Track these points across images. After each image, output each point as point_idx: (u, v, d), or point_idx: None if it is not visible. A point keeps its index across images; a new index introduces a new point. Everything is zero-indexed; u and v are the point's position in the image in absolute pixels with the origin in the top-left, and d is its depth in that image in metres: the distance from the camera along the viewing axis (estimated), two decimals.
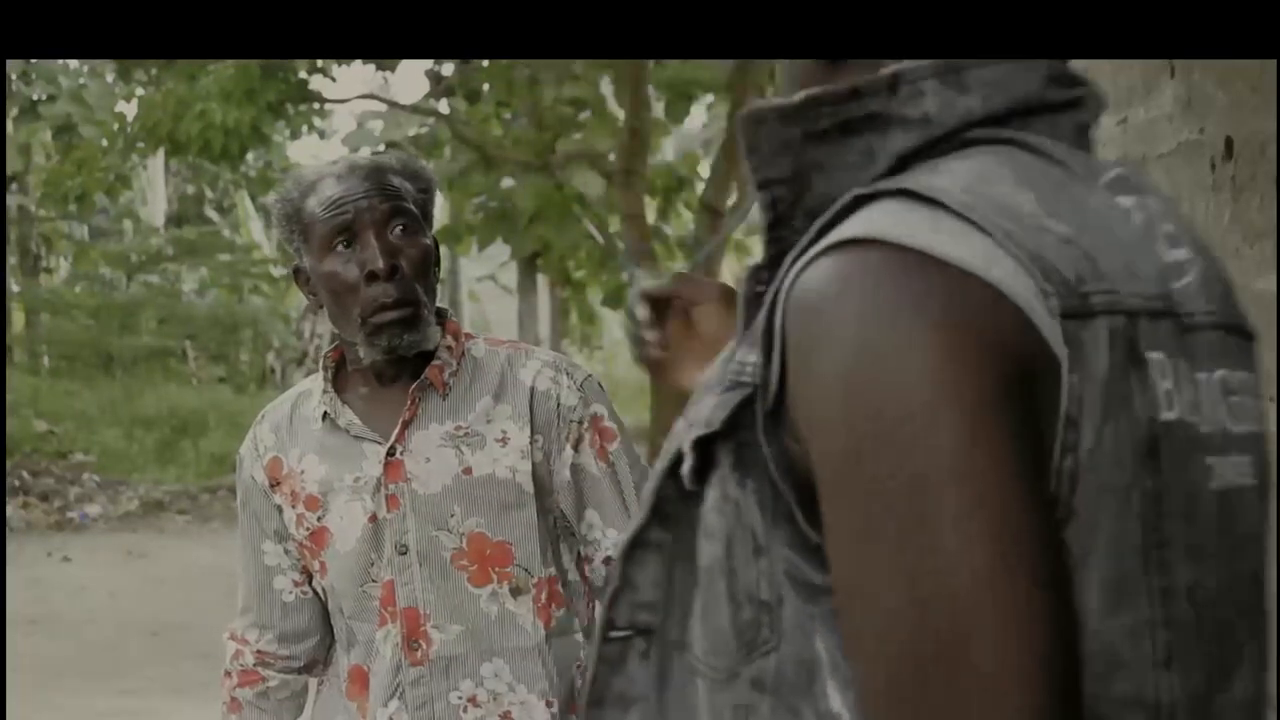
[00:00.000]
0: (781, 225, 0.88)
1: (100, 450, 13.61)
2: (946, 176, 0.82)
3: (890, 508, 0.76)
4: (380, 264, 1.88)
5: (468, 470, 1.94)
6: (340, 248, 1.91)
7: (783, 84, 0.98)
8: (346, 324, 1.94)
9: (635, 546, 0.92)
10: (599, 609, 1.96)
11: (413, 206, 1.95)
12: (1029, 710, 0.73)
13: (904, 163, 0.85)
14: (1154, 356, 0.82)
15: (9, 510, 11.08)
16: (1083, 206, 0.84)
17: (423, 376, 1.96)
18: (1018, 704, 0.73)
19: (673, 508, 0.90)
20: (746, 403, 0.84)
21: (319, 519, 1.99)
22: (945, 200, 0.80)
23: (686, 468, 0.87)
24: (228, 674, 2.12)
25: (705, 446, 0.86)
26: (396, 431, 1.95)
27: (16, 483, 11.89)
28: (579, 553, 2.02)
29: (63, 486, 12.25)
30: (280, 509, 2.03)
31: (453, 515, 1.93)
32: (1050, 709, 0.73)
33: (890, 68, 0.86)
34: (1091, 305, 0.79)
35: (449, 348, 1.99)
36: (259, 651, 2.08)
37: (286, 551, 2.05)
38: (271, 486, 2.03)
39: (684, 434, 0.89)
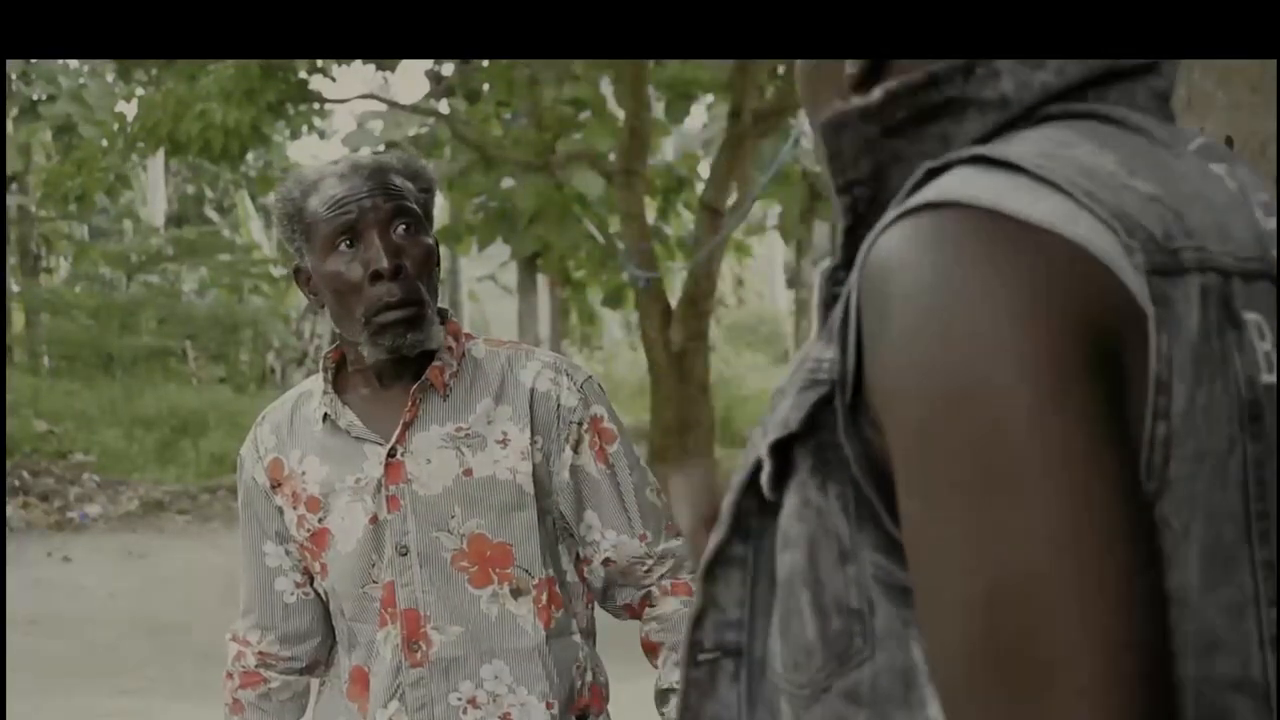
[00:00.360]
0: (859, 225, 0.85)
1: (100, 450, 13.61)
2: (1021, 144, 0.80)
3: (965, 477, 0.72)
4: (384, 263, 1.88)
5: (468, 472, 1.94)
6: (343, 247, 1.91)
7: (803, 86, 0.96)
8: (349, 323, 1.93)
9: (717, 564, 0.88)
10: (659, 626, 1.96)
11: (415, 206, 1.95)
12: (1114, 704, 0.69)
13: (980, 145, 0.83)
14: (1251, 317, 0.78)
15: (9, 510, 11.08)
16: (1169, 169, 0.81)
17: (424, 377, 1.95)
18: (1101, 687, 0.69)
19: (753, 521, 0.86)
20: (824, 401, 0.80)
21: (320, 520, 1.98)
22: (1020, 163, 0.77)
23: (765, 474, 0.83)
24: (229, 675, 2.11)
25: (783, 451, 0.82)
26: (397, 433, 1.94)
27: (16, 483, 11.89)
28: (577, 554, 2.02)
29: (63, 486, 12.25)
30: (281, 510, 2.02)
31: (453, 517, 1.93)
32: (1136, 691, 0.69)
33: None
34: (1181, 261, 0.75)
35: (449, 348, 1.98)
36: (261, 653, 2.08)
37: (288, 553, 2.05)
38: (273, 488, 2.03)
39: (760, 443, 0.85)
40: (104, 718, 6.42)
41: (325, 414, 1.99)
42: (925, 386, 0.73)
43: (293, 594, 2.07)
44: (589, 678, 2.01)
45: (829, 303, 0.85)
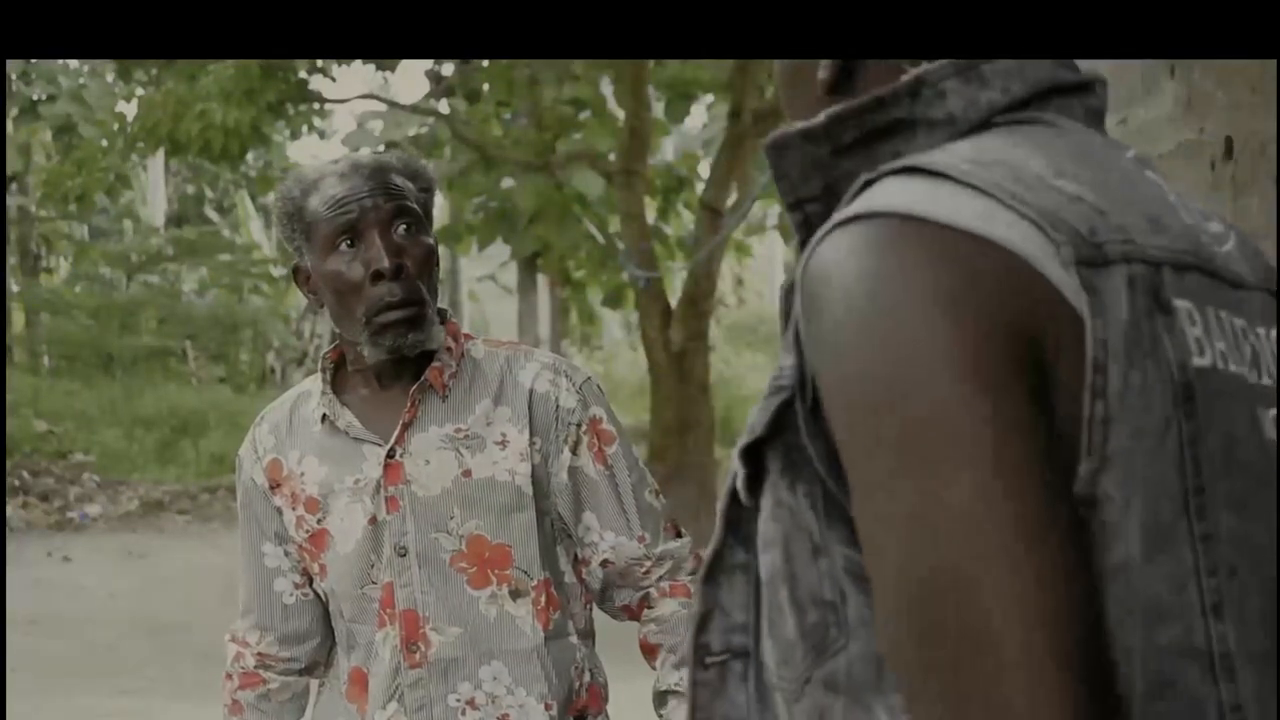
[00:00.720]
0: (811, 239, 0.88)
1: (100, 450, 13.61)
2: (951, 152, 0.83)
3: (892, 467, 0.76)
4: (385, 263, 1.88)
5: (467, 473, 1.94)
6: (344, 247, 1.91)
7: (782, 87, 0.98)
8: (350, 323, 1.93)
9: (716, 569, 0.91)
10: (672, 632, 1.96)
11: (416, 206, 1.95)
12: (1039, 677, 0.72)
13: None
14: (1181, 304, 0.81)
15: (9, 510, 11.08)
16: (1101, 169, 0.85)
17: (423, 378, 1.95)
18: (1035, 657, 0.72)
19: (749, 527, 0.89)
20: (787, 405, 0.84)
21: (319, 521, 1.98)
22: (945, 170, 0.81)
23: (740, 479, 0.87)
24: (229, 676, 2.11)
25: (754, 455, 0.86)
26: (396, 433, 1.94)
27: (16, 483, 11.89)
28: (575, 555, 2.01)
29: (63, 486, 12.25)
30: (280, 511, 2.02)
31: (452, 518, 1.93)
32: (1071, 660, 0.73)
33: (910, 73, 0.86)
34: (1107, 254, 0.79)
35: (449, 349, 1.98)
36: (260, 654, 2.08)
37: (287, 554, 2.05)
38: (271, 489, 2.03)
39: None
40: (104, 718, 6.42)
41: (323, 415, 1.98)
42: (854, 385, 0.78)
43: (292, 595, 2.06)
44: (587, 679, 2.01)
45: (789, 315, 0.88)
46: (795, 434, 0.84)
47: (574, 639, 2.01)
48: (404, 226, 1.92)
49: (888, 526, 0.77)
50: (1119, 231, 0.81)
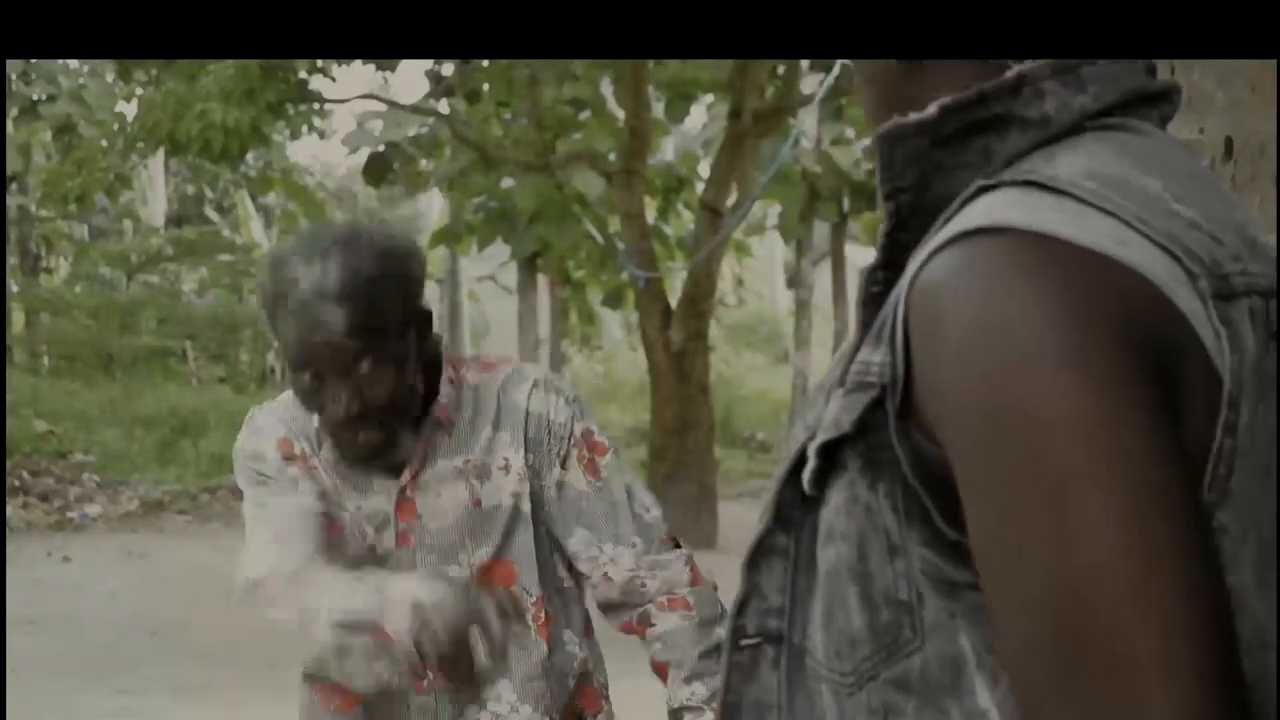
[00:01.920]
0: (900, 229, 0.88)
1: (100, 450, 13.61)
2: (1067, 164, 0.83)
3: (1030, 495, 0.75)
4: (343, 414, 1.84)
5: (477, 502, 1.93)
6: (307, 378, 1.85)
7: (863, 88, 0.97)
8: (320, 424, 1.92)
9: (759, 553, 0.91)
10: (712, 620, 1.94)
11: (383, 324, 1.84)
12: (1180, 691, 0.72)
13: (1016, 159, 0.86)
14: None
15: (9, 510, 11.08)
16: (1200, 187, 0.85)
17: (432, 415, 1.93)
18: (1167, 684, 0.72)
19: (795, 512, 0.89)
20: (875, 404, 0.83)
21: (325, 510, 1.94)
22: (1071, 189, 0.80)
23: (809, 472, 0.87)
24: (262, 584, 1.84)
25: (830, 450, 0.86)
26: (410, 471, 1.93)
27: (16, 483, 11.90)
28: (569, 563, 2.00)
29: (63, 486, 12.26)
30: (297, 481, 1.95)
31: (463, 549, 1.93)
32: (1206, 679, 0.72)
33: (1014, 69, 0.86)
34: (1233, 286, 0.79)
35: (450, 380, 1.96)
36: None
37: (317, 505, 1.94)
38: (286, 460, 1.96)
39: (803, 437, 0.88)
40: (104, 717, 6.42)
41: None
42: (988, 405, 0.77)
43: (323, 535, 1.92)
44: (580, 680, 2.02)
45: (869, 302, 0.88)
46: (881, 434, 0.83)
47: (572, 645, 2.01)
48: (368, 362, 1.83)
49: (1023, 547, 0.76)
50: (1236, 261, 0.81)
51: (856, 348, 0.87)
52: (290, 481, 1.95)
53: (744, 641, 0.93)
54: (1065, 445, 0.74)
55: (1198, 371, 0.77)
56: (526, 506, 1.95)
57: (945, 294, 0.79)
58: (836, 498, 0.86)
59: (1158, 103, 0.91)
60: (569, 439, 1.98)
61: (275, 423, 2.00)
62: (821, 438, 0.86)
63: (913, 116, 0.87)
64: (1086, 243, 0.77)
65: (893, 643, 0.84)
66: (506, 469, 1.95)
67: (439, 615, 1.60)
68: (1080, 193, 0.80)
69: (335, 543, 1.94)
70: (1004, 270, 0.78)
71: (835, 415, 0.85)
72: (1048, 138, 0.86)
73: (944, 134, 0.87)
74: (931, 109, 0.86)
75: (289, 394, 2.06)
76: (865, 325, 0.88)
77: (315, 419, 1.95)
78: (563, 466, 1.97)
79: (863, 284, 0.89)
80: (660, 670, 2.01)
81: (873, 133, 0.91)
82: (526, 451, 1.95)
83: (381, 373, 1.84)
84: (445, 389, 1.95)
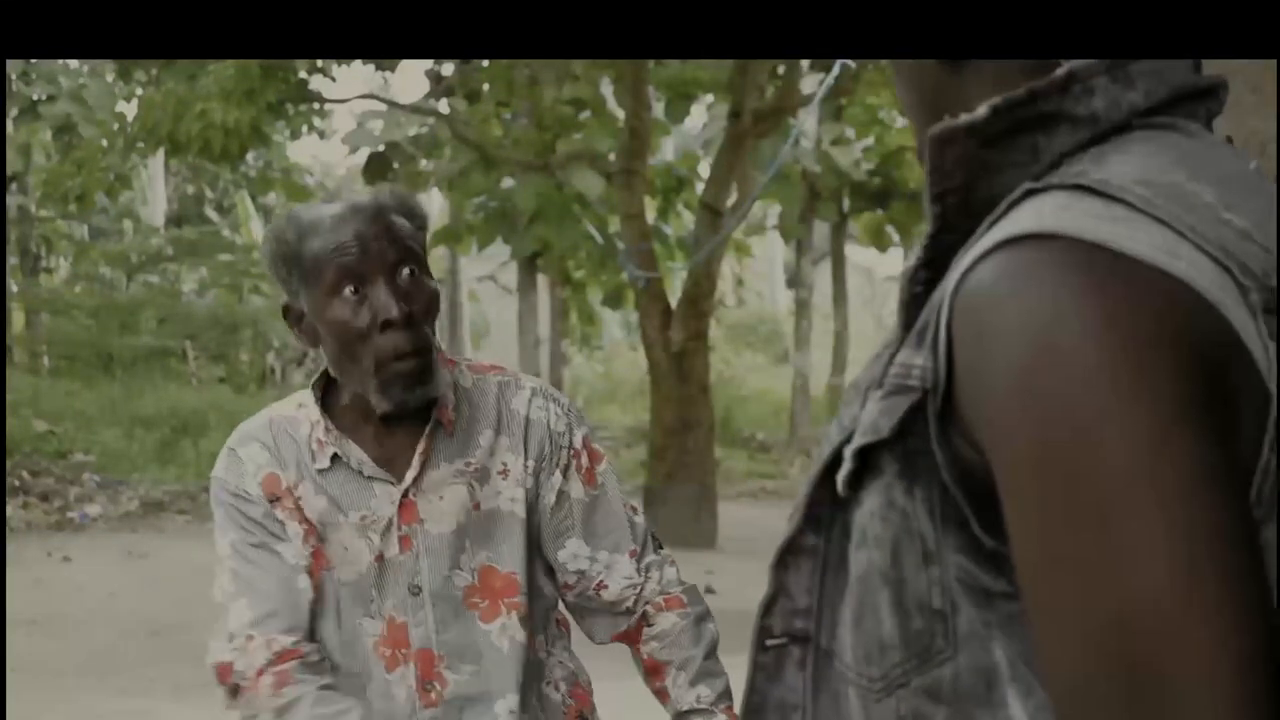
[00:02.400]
0: (945, 230, 0.86)
1: (100, 450, 13.61)
2: (1117, 168, 0.81)
3: (1078, 516, 0.73)
4: (395, 313, 1.82)
5: (477, 506, 1.93)
6: (348, 293, 1.84)
7: (902, 90, 0.96)
8: (354, 371, 1.87)
9: (788, 553, 0.90)
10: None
11: (417, 248, 1.89)
12: (1243, 710, 0.70)
13: (1064, 158, 0.84)
14: None
15: (9, 510, 11.08)
16: (1247, 193, 0.83)
17: (434, 418, 1.92)
18: (1231, 705, 0.70)
19: (825, 513, 0.88)
20: (915, 407, 0.82)
21: (319, 542, 1.92)
22: (1122, 195, 0.78)
23: (844, 474, 0.85)
24: (259, 673, 1.86)
25: (866, 453, 0.84)
26: (414, 473, 1.91)
27: (16, 483, 11.89)
28: (547, 571, 2.01)
29: (63, 486, 12.25)
30: (285, 525, 1.92)
31: (464, 552, 1.92)
32: (1264, 708, 0.70)
33: (1064, 67, 0.84)
34: None
35: (449, 383, 1.95)
36: (295, 650, 1.89)
37: (303, 557, 1.92)
38: (271, 502, 1.92)
39: (837, 438, 0.87)
40: (104, 718, 6.42)
41: (334, 454, 1.92)
42: (1033, 424, 0.75)
43: (310, 594, 1.92)
44: (569, 685, 2.03)
45: (910, 303, 0.86)
46: (920, 438, 0.82)
47: (559, 648, 2.02)
48: (409, 271, 1.86)
49: (1076, 568, 0.74)
50: None
51: (896, 348, 0.86)
52: (276, 528, 1.91)
53: (770, 642, 0.92)
54: (1118, 466, 0.73)
55: (1247, 387, 0.76)
56: (522, 512, 1.95)
57: (993, 302, 0.77)
58: (871, 501, 0.85)
59: (1205, 99, 0.89)
60: (568, 448, 1.98)
61: (258, 452, 1.94)
62: (859, 441, 0.84)
63: (963, 118, 0.85)
64: (1137, 254, 0.76)
65: (924, 651, 0.83)
66: (505, 474, 1.94)
67: None
68: (1132, 199, 0.78)
69: (320, 596, 1.91)
70: (1054, 282, 0.76)
71: (874, 418, 0.84)
72: (1096, 136, 0.84)
73: (991, 134, 0.85)
74: (982, 109, 0.84)
75: (264, 416, 2.00)
76: (907, 326, 0.86)
77: (310, 432, 1.92)
78: (563, 476, 1.97)
79: (904, 284, 0.87)
80: (655, 671, 2.01)
81: (919, 136, 0.90)
82: (527, 459, 1.95)
83: (421, 283, 1.87)
84: (445, 392, 1.94)
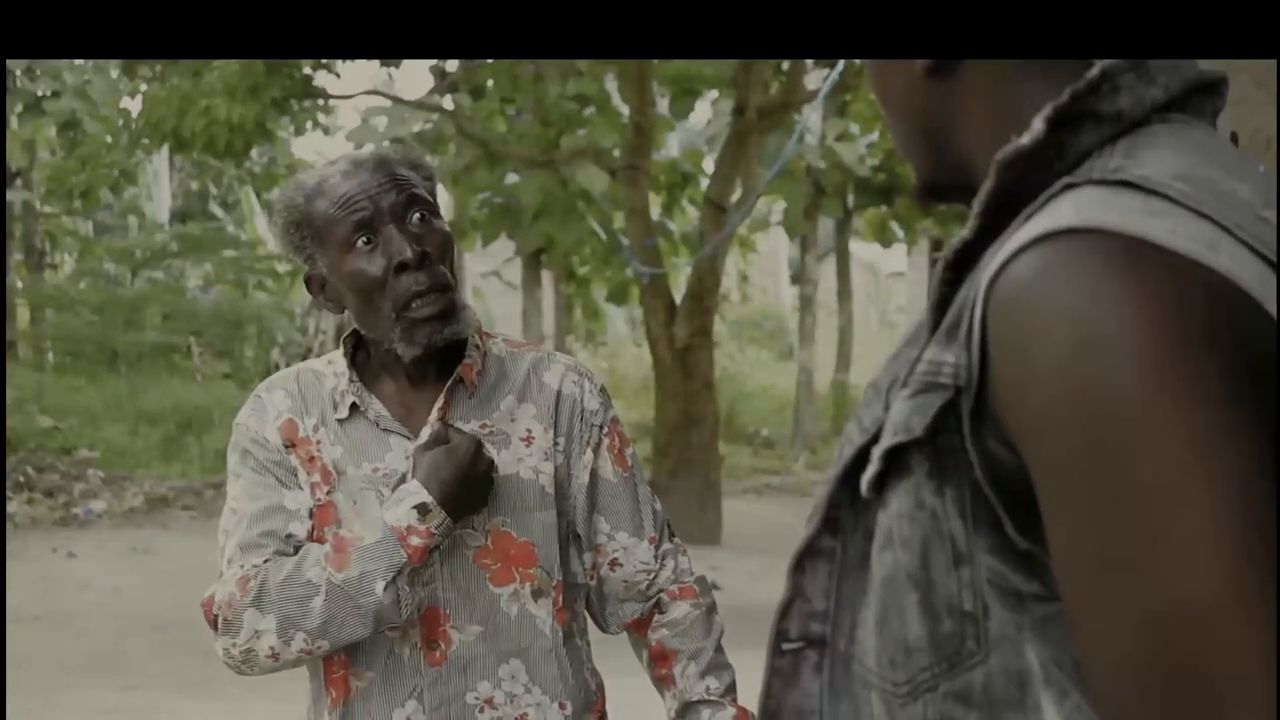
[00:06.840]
0: (982, 235, 0.85)
1: (105, 446, 13.61)
2: (1154, 163, 0.80)
3: (1125, 513, 0.72)
4: (409, 253, 1.84)
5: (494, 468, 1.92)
6: (361, 244, 1.86)
7: (879, 91, 0.96)
8: (378, 322, 1.89)
9: (806, 556, 0.89)
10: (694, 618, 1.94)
11: (425, 193, 1.92)
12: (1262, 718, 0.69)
13: (1087, 153, 0.84)
14: None
15: (13, 506, 11.10)
16: (1268, 191, 0.83)
17: (456, 374, 1.93)
18: (1265, 712, 0.69)
19: (844, 515, 0.87)
20: (946, 406, 0.80)
21: (328, 493, 1.92)
22: (1162, 189, 0.77)
23: (870, 475, 0.84)
24: (245, 580, 1.85)
25: (894, 453, 0.83)
26: (430, 429, 1.90)
27: (21, 478, 11.90)
28: (584, 556, 2.01)
29: (67, 482, 12.26)
30: (296, 472, 1.92)
31: (477, 513, 1.91)
32: None
33: (1097, 66, 0.84)
34: None
35: (476, 345, 1.97)
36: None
37: (310, 511, 1.91)
38: (286, 448, 1.93)
39: (859, 439, 0.86)
40: (108, 713, 6.43)
41: (354, 403, 1.93)
42: (1076, 423, 0.74)
43: (301, 540, 1.90)
44: (597, 680, 2.02)
45: (939, 304, 0.85)
46: (951, 437, 0.80)
47: (580, 640, 2.01)
48: (418, 215, 1.88)
49: (1123, 565, 0.73)
50: None
51: (924, 346, 0.85)
52: (286, 475, 1.92)
53: (786, 646, 0.91)
54: (1167, 463, 0.72)
55: None
56: (550, 488, 1.94)
57: (1033, 297, 0.76)
58: (898, 502, 0.83)
59: (1210, 94, 0.88)
60: (601, 427, 1.99)
61: (281, 399, 1.97)
62: (889, 441, 0.83)
63: (1026, 139, 0.84)
64: (1180, 249, 0.75)
65: (954, 654, 0.81)
66: (529, 441, 1.95)
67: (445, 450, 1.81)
68: (1172, 193, 0.77)
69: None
70: (1098, 278, 0.75)
71: (904, 418, 0.82)
72: (1117, 132, 0.84)
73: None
74: (1038, 125, 0.83)
75: (293, 370, 2.04)
76: (936, 323, 0.85)
77: (335, 385, 1.94)
78: (594, 453, 1.98)
79: (936, 285, 0.86)
80: (662, 659, 2.01)
81: (899, 138, 0.89)
82: (556, 433, 1.96)
83: (432, 225, 1.89)
84: (471, 353, 1.96)
